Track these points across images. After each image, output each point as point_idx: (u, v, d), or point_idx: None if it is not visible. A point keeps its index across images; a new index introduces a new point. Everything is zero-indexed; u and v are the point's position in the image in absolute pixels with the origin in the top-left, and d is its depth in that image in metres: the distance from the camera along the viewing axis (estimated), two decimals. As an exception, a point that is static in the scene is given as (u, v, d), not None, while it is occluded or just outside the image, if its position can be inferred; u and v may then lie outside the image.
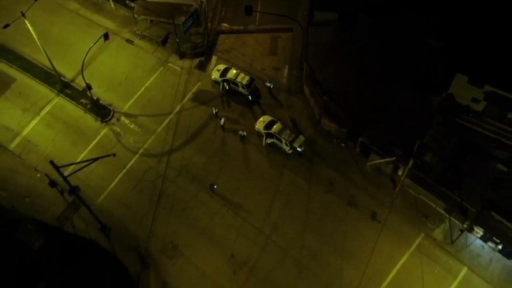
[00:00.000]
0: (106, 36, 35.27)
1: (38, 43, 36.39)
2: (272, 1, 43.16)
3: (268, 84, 40.35)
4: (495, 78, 33.35)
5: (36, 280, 32.25)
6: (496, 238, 32.60)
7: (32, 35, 35.88)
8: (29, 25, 34.52)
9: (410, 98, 36.94)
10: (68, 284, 32.35)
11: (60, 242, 33.67)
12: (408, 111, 35.97)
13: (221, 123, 38.36)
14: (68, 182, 28.66)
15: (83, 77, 35.89)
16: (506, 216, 31.67)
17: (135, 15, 41.27)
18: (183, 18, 40.08)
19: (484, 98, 34.25)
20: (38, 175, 36.64)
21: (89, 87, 35.95)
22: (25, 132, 38.95)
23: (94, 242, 33.69)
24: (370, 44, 40.32)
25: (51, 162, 27.07)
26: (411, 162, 31.26)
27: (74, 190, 29.42)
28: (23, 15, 33.39)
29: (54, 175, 28.91)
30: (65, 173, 28.60)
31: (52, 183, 32.20)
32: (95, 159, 29.27)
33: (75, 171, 29.63)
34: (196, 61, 41.82)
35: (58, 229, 33.58)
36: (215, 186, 35.78)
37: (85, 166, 28.84)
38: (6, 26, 34.14)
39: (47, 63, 39.47)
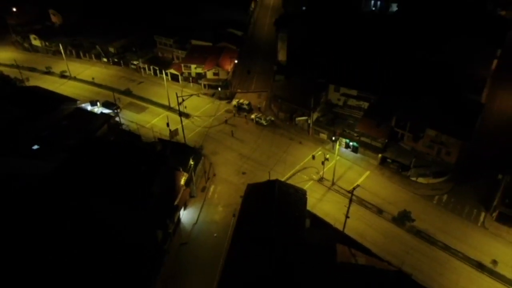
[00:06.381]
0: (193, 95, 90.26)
1: (167, 95, 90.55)
2: (260, 78, 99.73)
3: (258, 106, 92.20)
4: (343, 84, 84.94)
5: (158, 163, 76.68)
6: (349, 140, 79.07)
7: (155, 93, 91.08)
8: (168, 93, 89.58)
9: (315, 97, 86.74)
10: (171, 157, 76.52)
11: (169, 147, 79.28)
12: (313, 102, 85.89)
13: (228, 117, 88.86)
14: (179, 106, 77.94)
15: (177, 100, 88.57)
16: (350, 131, 79.43)
17: (202, 83, 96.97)
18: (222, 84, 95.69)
19: (341, 95, 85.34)
20: (158, 133, 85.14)
21: (183, 99, 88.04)
22: (152, 122, 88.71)
23: (185, 144, 79.64)
24: (297, 85, 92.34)
25: (177, 97, 77.09)
26: (314, 116, 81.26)
27: (181, 113, 78.46)
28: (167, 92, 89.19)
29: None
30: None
31: (167, 124, 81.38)
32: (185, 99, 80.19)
33: (183, 102, 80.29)
34: (226, 101, 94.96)
35: (168, 141, 79.56)
36: (233, 133, 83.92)
37: (183, 100, 79.52)
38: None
39: (161, 101, 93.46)
